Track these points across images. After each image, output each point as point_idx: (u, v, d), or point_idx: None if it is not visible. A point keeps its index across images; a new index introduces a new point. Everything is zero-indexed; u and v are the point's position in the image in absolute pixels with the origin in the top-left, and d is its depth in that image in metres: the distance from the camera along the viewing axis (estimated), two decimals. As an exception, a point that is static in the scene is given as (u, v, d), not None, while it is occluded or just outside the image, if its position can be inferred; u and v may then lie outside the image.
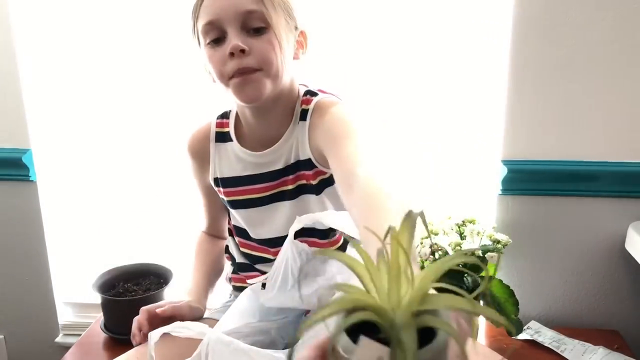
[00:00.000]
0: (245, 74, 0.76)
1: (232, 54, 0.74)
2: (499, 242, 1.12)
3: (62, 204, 1.43)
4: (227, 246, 1.02)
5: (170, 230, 1.40)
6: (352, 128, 0.72)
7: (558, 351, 1.13)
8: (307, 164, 0.84)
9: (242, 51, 0.74)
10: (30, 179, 1.35)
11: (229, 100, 0.92)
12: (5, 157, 1.34)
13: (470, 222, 1.16)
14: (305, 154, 0.84)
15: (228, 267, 1.03)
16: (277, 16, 0.77)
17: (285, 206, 0.88)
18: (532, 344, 1.16)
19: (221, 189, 0.92)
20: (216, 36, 0.77)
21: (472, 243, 1.10)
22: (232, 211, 0.94)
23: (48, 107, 1.36)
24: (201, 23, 0.77)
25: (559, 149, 1.17)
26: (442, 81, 1.22)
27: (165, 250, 1.39)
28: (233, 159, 0.90)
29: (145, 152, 1.37)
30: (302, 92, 0.87)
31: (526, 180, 1.19)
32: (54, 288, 1.45)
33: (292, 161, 0.86)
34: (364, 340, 0.26)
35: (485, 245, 1.12)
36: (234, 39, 0.74)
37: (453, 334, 0.25)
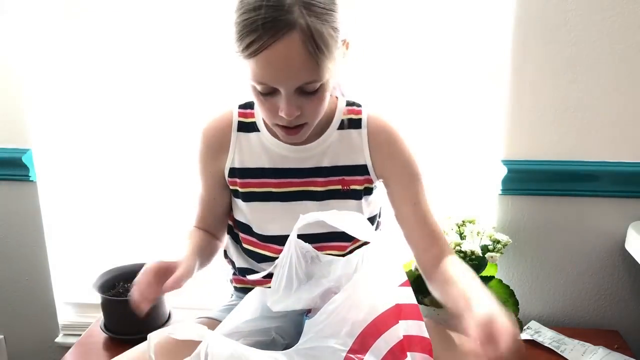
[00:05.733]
0: (293, 128, 0.78)
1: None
2: (499, 242, 1.12)
3: (62, 204, 1.43)
4: (225, 251, 1.01)
5: (170, 231, 1.39)
6: (419, 170, 0.89)
7: (558, 351, 1.13)
8: (359, 170, 0.88)
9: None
10: (30, 179, 1.35)
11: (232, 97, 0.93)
12: (5, 157, 1.34)
13: (470, 222, 1.16)
14: (361, 160, 0.88)
15: (229, 268, 1.03)
16: (330, 70, 0.74)
17: (307, 206, 0.88)
18: (532, 344, 1.16)
19: (237, 180, 0.90)
20: (268, 92, 0.74)
21: (472, 243, 1.09)
22: (240, 205, 0.92)
23: (48, 107, 1.36)
24: (253, 73, 0.72)
25: (559, 149, 1.17)
26: (442, 81, 1.22)
27: (165, 250, 1.38)
28: (258, 150, 0.89)
29: (145, 152, 1.37)
30: (339, 100, 0.90)
31: (526, 180, 1.19)
32: (54, 288, 1.45)
33: (326, 164, 0.88)
34: None
35: (485, 245, 1.12)
36: (288, 106, 0.73)
37: None
